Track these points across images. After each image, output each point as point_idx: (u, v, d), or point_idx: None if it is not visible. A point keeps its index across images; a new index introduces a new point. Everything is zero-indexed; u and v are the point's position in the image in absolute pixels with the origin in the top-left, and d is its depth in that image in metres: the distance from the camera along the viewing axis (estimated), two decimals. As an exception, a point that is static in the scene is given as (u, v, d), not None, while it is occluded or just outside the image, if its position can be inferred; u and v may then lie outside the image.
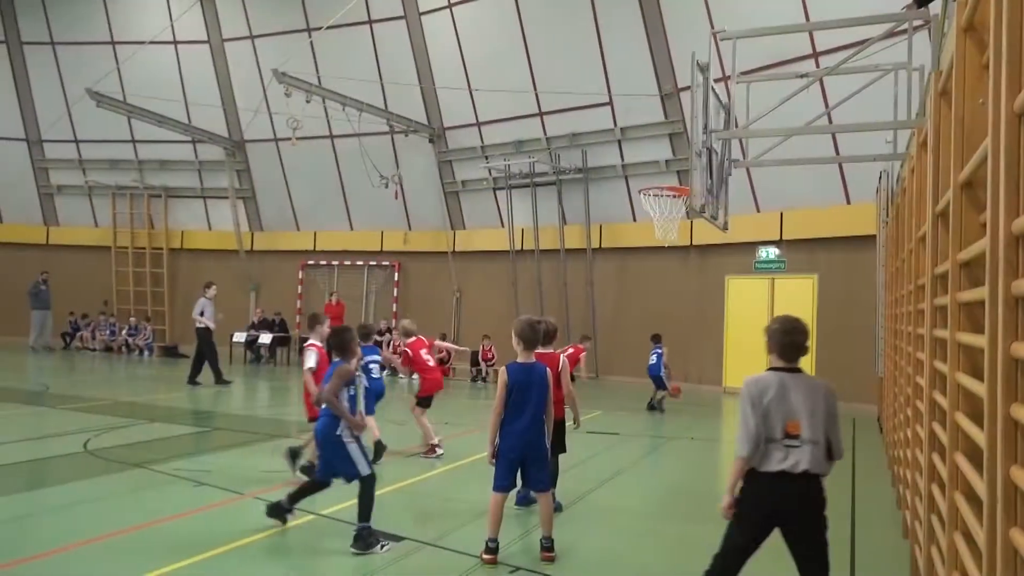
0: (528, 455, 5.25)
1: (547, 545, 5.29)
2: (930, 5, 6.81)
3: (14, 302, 23.82)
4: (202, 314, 15.38)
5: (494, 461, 5.29)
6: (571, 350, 11.42)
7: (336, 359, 5.85)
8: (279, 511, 5.81)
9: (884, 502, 7.35)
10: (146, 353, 22.22)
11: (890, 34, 7.70)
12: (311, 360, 7.32)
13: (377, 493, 6.73)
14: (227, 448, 9.13)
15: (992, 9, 2.52)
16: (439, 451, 8.72)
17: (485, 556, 5.15)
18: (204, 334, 15.40)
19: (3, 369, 17.17)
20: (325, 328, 7.63)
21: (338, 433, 5.55)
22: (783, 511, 3.67)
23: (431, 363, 9.04)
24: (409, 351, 9.03)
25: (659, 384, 13.55)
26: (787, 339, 3.76)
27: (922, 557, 4.33)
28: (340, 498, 6.12)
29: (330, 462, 5.62)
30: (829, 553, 3.73)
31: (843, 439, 3.75)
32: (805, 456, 3.59)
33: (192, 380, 14.99)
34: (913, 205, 5.93)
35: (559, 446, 6.39)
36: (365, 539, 5.37)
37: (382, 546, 5.41)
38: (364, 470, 5.56)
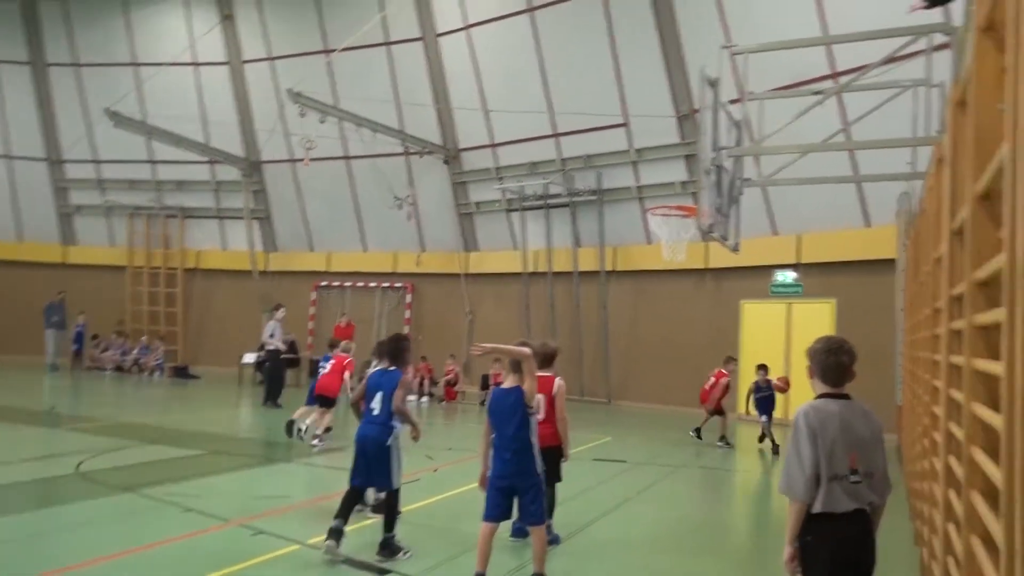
0: (517, 484, 4.99)
1: None
2: (951, 12, 6.53)
3: (31, 321, 23.95)
4: (272, 336, 15.57)
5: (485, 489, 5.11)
6: (712, 378, 11.77)
7: (392, 367, 6.05)
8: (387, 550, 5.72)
9: (902, 537, 6.96)
10: (156, 374, 22.13)
11: (909, 54, 7.45)
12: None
13: (368, 521, 6.49)
14: (221, 472, 8.91)
15: (1011, 2, 2.27)
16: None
17: None
18: (274, 356, 15.57)
19: (12, 388, 17.12)
20: (350, 346, 9.10)
21: (388, 444, 5.80)
22: (861, 555, 3.26)
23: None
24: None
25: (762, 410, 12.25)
26: (831, 360, 3.40)
27: (939, 603, 3.99)
28: (323, 529, 5.87)
29: (370, 469, 5.82)
30: None
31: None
32: (867, 492, 3.26)
33: (273, 402, 15.03)
34: (931, 225, 5.63)
35: (553, 475, 6.09)
36: (391, 547, 5.69)
37: (405, 552, 5.71)
38: (396, 483, 5.82)
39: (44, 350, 22.35)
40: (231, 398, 17.73)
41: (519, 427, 4.99)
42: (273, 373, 15.63)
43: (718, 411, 12.38)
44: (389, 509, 5.79)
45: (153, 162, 23.88)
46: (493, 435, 5.08)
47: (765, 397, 12.06)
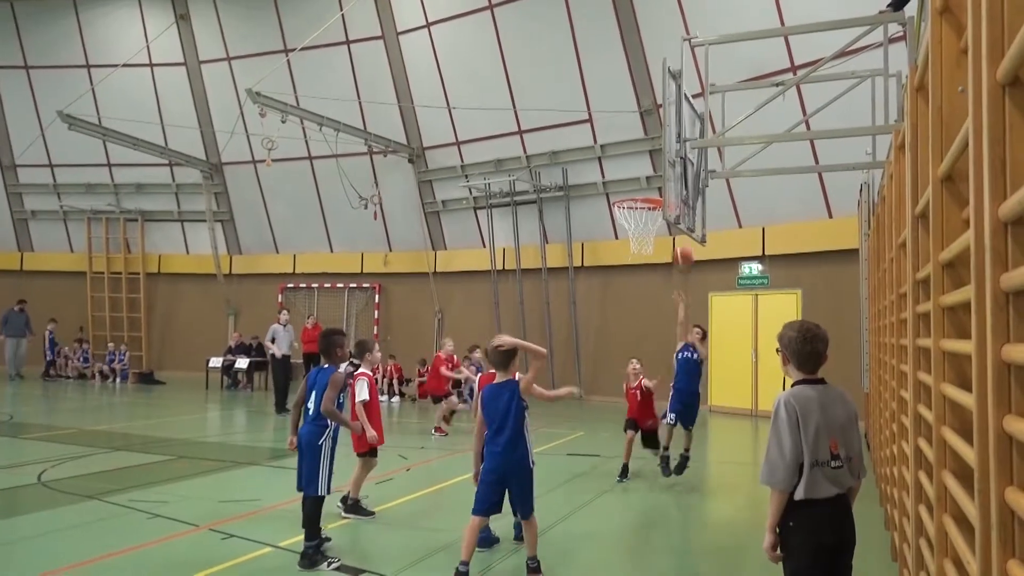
0: (510, 477, 5.09)
1: (532, 566, 5.19)
2: (906, 8, 6.64)
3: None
4: (273, 341, 15.27)
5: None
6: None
7: (327, 365, 5.84)
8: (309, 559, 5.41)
9: (872, 523, 7.05)
10: (118, 379, 21.68)
11: (866, 46, 7.55)
12: (363, 392, 6.85)
13: (342, 522, 6.39)
14: (188, 477, 8.73)
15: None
16: None
17: None
18: (275, 361, 15.27)
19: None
20: (376, 355, 7.82)
21: (319, 443, 5.59)
22: (842, 537, 3.27)
23: None
24: None
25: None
26: (807, 348, 3.37)
27: (911, 583, 4.04)
28: (296, 531, 5.77)
29: (300, 471, 5.59)
30: None
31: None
32: (847, 477, 3.26)
33: (282, 408, 14.73)
34: (893, 212, 5.70)
35: None
36: (311, 557, 5.37)
37: (329, 563, 5.37)
38: (322, 491, 5.55)
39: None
40: (197, 402, 17.43)
41: (514, 421, 5.06)
42: (276, 378, 15.41)
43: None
44: (312, 515, 5.47)
45: (110, 165, 23.39)
46: (486, 431, 5.18)
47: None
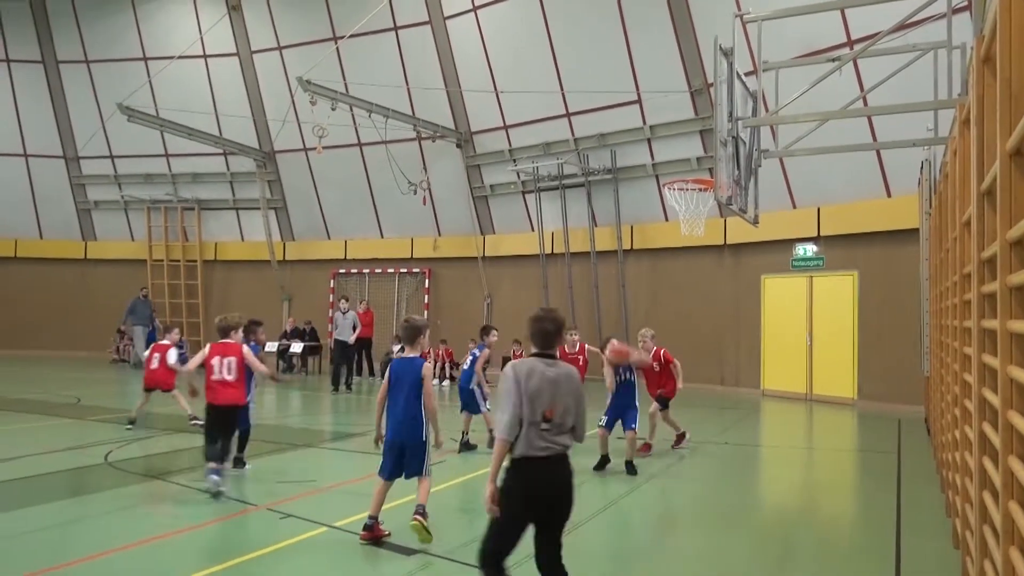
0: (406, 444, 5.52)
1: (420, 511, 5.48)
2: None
3: (54, 316, 24.30)
4: (337, 328, 16.85)
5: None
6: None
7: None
8: None
9: (933, 509, 6.89)
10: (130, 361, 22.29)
11: (926, 18, 7.27)
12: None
13: (397, 503, 6.53)
14: (247, 458, 8.97)
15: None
16: None
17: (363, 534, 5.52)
18: (338, 347, 16.93)
19: (39, 381, 17.34)
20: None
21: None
22: (548, 495, 3.76)
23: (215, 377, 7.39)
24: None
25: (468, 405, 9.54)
26: (536, 327, 3.97)
27: (974, 570, 3.93)
28: (352, 511, 5.89)
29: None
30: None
31: (586, 424, 3.99)
32: (560, 440, 3.79)
33: (346, 384, 16.56)
34: (957, 189, 5.50)
35: None
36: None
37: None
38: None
39: (68, 345, 22.71)
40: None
41: (409, 395, 5.55)
42: (337, 360, 16.88)
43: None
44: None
45: (168, 155, 23.99)
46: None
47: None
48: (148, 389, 10.95)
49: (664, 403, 9.64)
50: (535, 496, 3.74)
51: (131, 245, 25.17)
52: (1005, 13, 3.00)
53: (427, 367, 5.64)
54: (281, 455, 9.30)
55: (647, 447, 9.39)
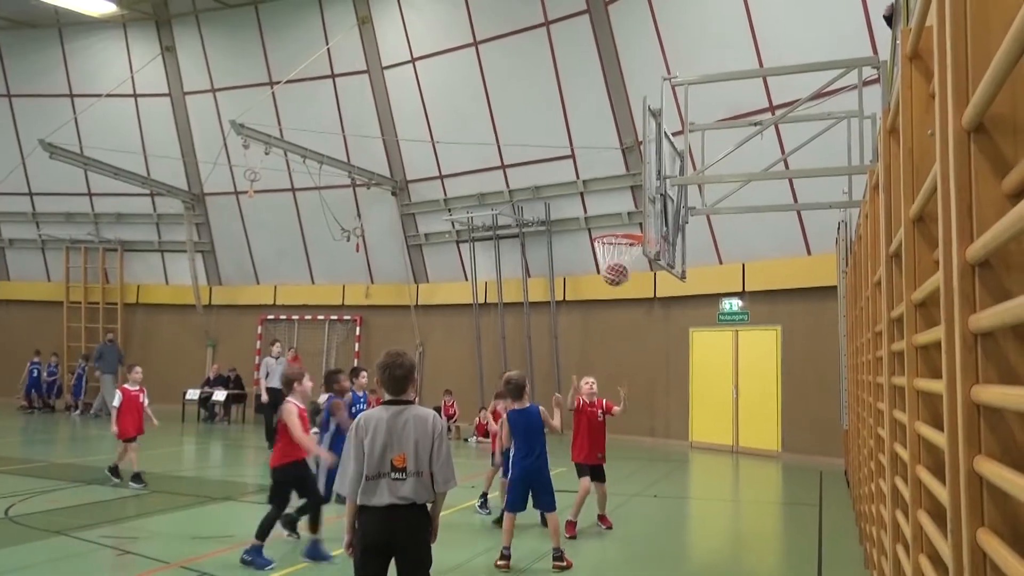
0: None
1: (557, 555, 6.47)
2: (880, 44, 6.80)
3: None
4: (267, 375, 14.91)
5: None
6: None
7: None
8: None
9: (853, 561, 7.04)
10: (91, 410, 21.29)
11: (841, 88, 7.70)
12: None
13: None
14: (161, 512, 8.57)
15: (935, 31, 2.34)
16: None
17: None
18: (271, 395, 14.49)
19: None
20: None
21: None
22: (396, 542, 3.75)
23: None
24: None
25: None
26: (385, 374, 3.90)
27: (890, 624, 4.01)
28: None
29: None
30: None
31: (454, 470, 3.88)
32: (410, 487, 3.74)
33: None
34: (869, 251, 5.77)
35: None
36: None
37: None
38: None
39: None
40: (173, 435, 17.15)
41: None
42: (267, 412, 14.76)
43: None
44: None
45: (91, 194, 23.24)
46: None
47: None
48: (131, 439, 10.20)
49: (600, 473, 8.16)
50: (373, 545, 3.76)
51: (47, 286, 24.12)
52: (907, 88, 3.20)
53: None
54: (201, 508, 8.91)
55: (571, 526, 7.82)
